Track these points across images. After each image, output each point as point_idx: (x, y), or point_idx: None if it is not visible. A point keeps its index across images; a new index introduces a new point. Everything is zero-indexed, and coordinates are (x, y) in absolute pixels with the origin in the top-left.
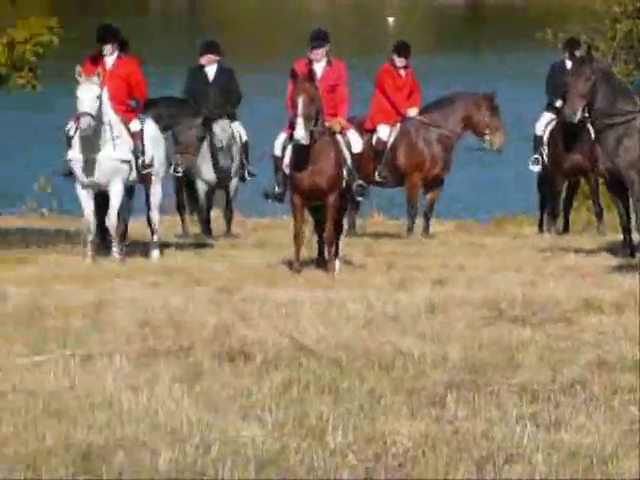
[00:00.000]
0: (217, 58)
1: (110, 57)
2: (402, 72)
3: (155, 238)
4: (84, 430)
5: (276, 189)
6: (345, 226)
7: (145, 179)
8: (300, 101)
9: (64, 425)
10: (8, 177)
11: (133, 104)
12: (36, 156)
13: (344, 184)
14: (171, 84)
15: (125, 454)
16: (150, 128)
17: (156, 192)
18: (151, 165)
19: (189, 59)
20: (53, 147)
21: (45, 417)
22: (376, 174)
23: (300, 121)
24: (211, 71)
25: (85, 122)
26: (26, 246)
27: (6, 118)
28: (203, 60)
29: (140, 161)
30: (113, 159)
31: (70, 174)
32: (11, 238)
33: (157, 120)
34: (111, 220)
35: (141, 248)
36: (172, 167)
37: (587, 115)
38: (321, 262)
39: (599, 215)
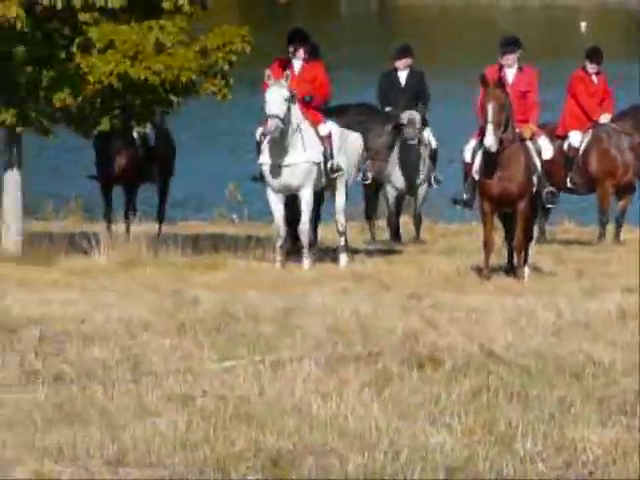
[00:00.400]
0: (410, 62)
1: (298, 61)
2: (594, 78)
3: (342, 242)
4: (273, 435)
5: (465, 195)
6: (535, 233)
7: (331, 184)
8: (490, 108)
9: (253, 430)
10: (198, 184)
11: (307, 99)
12: (226, 163)
13: (534, 191)
14: (361, 89)
15: (314, 460)
16: (335, 132)
17: (342, 196)
18: (340, 168)
19: (379, 63)
20: (242, 154)
21: (235, 422)
22: (567, 181)
23: (490, 128)
24: (403, 75)
25: (273, 124)
26: (216, 252)
27: (194, 124)
28: (399, 64)
29: (329, 164)
30: (304, 161)
31: (261, 178)
32: (202, 244)
33: (347, 126)
34: (302, 226)
35: (330, 255)
36: (361, 174)
37: None
38: (510, 269)
39: None
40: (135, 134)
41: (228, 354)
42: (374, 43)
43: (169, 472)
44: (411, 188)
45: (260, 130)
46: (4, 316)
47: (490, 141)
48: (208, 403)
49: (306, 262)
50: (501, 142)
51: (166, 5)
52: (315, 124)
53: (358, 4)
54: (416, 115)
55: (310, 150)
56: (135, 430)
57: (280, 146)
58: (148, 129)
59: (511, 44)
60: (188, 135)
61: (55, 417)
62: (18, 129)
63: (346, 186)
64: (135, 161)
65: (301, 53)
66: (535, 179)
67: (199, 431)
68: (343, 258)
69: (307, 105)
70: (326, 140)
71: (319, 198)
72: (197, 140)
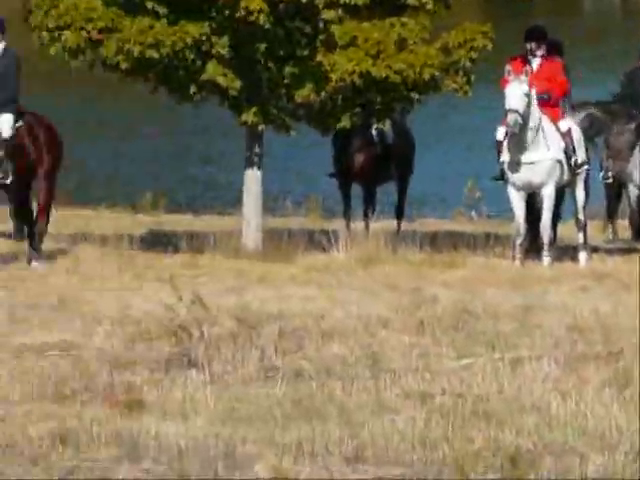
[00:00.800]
0: None
1: (536, 58)
2: None
3: (582, 239)
4: (512, 434)
5: None
6: None
7: (572, 180)
8: None
9: (492, 428)
10: (437, 181)
11: (545, 97)
12: (464, 160)
13: None
14: (603, 87)
15: (553, 459)
16: (574, 127)
17: (582, 193)
18: (583, 164)
19: (623, 61)
20: (480, 151)
21: (473, 420)
22: None
23: None
24: None
25: (512, 118)
26: (455, 249)
27: (431, 120)
28: None
29: (572, 161)
30: (547, 159)
31: (502, 177)
32: (440, 241)
33: (589, 124)
34: (544, 223)
35: (570, 253)
36: (602, 173)
37: None
38: None
39: None
40: (374, 132)
41: (466, 352)
42: (617, 39)
43: (407, 470)
44: None
45: (501, 130)
46: (245, 312)
47: None
48: (446, 401)
49: (546, 260)
50: None
51: (411, 1)
52: (554, 120)
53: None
54: None
55: (552, 147)
56: (373, 427)
57: (521, 143)
58: (387, 126)
59: None
60: (425, 132)
61: (294, 413)
62: (260, 127)
63: (586, 183)
64: (373, 159)
65: (539, 51)
66: None
67: (437, 429)
68: (583, 256)
69: (545, 102)
70: (567, 136)
71: (559, 195)
72: (433, 137)
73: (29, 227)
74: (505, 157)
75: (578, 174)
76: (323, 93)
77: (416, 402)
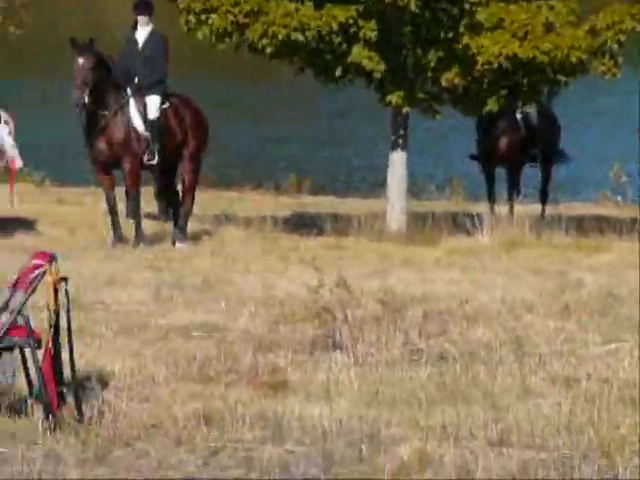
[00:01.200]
0: None
1: None
2: None
3: None
4: None
5: None
6: None
7: None
8: None
9: (638, 414)
10: (582, 164)
11: None
12: (609, 143)
13: None
14: None
15: None
16: None
17: None
18: None
19: None
20: (624, 134)
21: (619, 405)
22: None
23: None
24: None
25: None
26: (601, 233)
27: (572, 102)
28: None
29: None
30: None
31: None
32: (586, 225)
33: None
34: None
35: None
36: None
37: None
38: None
39: None
40: (518, 115)
41: (612, 337)
42: None
43: (552, 455)
44: None
45: None
46: (389, 294)
47: None
48: (592, 386)
49: None
50: None
51: None
52: None
53: None
54: None
55: None
56: (518, 411)
57: None
58: (532, 110)
59: None
60: (569, 114)
61: (438, 396)
62: (405, 109)
63: None
64: (517, 142)
65: None
66: None
67: (583, 414)
68: None
69: None
70: None
71: None
72: (578, 119)
73: (174, 208)
74: None
75: None
76: (469, 76)
77: (561, 387)
